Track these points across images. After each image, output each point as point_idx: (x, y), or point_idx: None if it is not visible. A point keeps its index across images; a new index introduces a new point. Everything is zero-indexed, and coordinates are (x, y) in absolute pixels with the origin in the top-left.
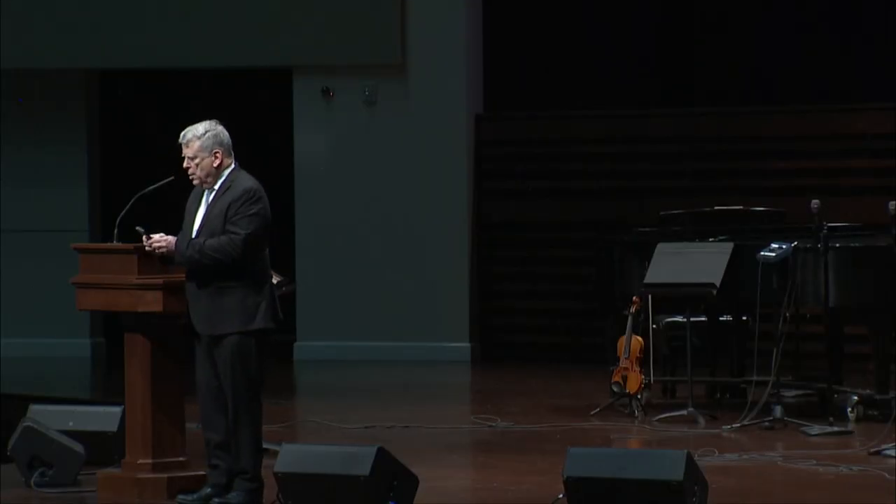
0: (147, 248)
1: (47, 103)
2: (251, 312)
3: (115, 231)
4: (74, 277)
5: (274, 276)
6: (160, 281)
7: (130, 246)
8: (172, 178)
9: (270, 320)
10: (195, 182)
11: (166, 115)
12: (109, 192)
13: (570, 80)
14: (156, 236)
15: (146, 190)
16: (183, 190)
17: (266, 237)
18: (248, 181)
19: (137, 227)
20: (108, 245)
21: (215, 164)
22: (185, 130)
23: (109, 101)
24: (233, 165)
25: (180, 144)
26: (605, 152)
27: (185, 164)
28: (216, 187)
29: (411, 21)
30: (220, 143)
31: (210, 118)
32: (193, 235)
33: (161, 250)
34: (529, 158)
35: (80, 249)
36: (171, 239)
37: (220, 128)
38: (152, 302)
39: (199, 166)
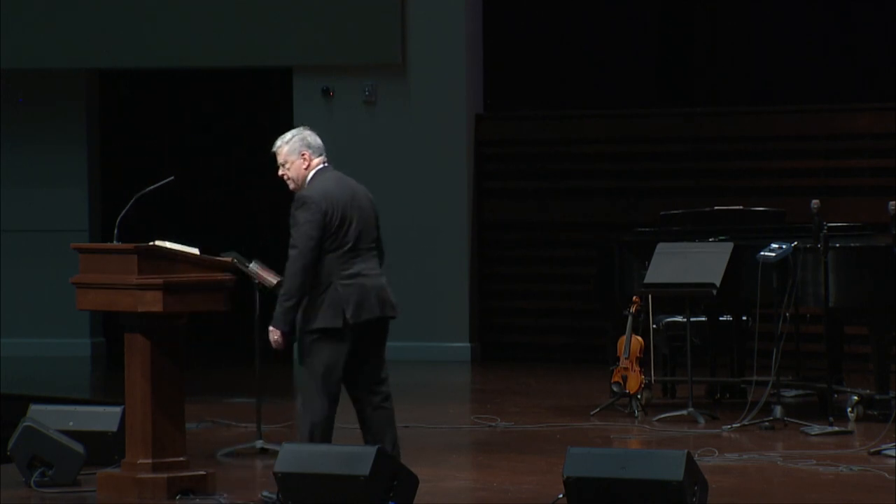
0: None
1: (47, 103)
2: (310, 314)
3: (115, 231)
4: (74, 277)
5: (274, 277)
6: (160, 281)
7: (130, 246)
8: (172, 178)
9: (333, 319)
10: (291, 187)
11: (166, 114)
12: (109, 192)
13: (570, 80)
14: (273, 338)
15: (146, 190)
16: (183, 190)
17: (318, 239)
18: (306, 189)
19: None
20: (108, 245)
21: (304, 167)
22: (276, 140)
23: (109, 101)
24: (320, 167)
25: (274, 153)
26: (605, 152)
27: (279, 173)
28: None
29: (411, 21)
30: (308, 145)
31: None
32: None
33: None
34: (529, 158)
35: (80, 249)
36: (275, 329)
37: (308, 131)
38: (152, 302)
39: (291, 169)
